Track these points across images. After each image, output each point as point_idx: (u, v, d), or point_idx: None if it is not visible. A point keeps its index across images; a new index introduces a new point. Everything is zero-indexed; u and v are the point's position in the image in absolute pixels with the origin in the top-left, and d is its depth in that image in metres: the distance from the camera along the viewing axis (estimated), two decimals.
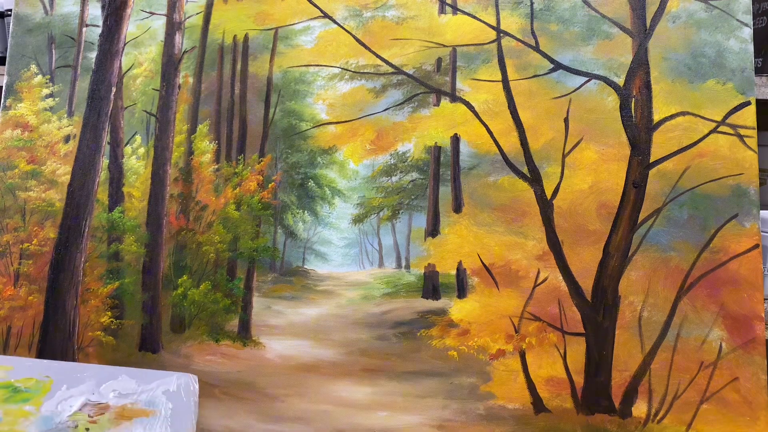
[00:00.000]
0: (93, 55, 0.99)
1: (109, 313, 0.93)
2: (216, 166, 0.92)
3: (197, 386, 0.74)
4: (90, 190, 0.96)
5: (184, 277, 0.91)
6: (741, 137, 0.73)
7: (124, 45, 0.98)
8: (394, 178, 0.85)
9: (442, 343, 0.79)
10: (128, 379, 0.76)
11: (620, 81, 0.77)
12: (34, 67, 1.01)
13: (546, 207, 0.78)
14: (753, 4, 0.76)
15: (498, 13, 0.82)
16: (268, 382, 0.85)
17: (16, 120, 1.00)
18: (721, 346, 0.72)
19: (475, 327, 0.78)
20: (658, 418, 0.73)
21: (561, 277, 0.77)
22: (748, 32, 0.74)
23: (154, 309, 0.91)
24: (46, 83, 1.00)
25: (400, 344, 0.81)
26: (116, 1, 0.98)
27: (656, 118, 0.76)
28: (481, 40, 0.82)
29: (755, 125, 0.72)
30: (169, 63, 0.96)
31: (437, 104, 0.84)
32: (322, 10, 0.89)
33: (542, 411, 0.76)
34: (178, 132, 0.94)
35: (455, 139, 0.82)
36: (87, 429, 0.71)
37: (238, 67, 0.93)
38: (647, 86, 0.76)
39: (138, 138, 0.96)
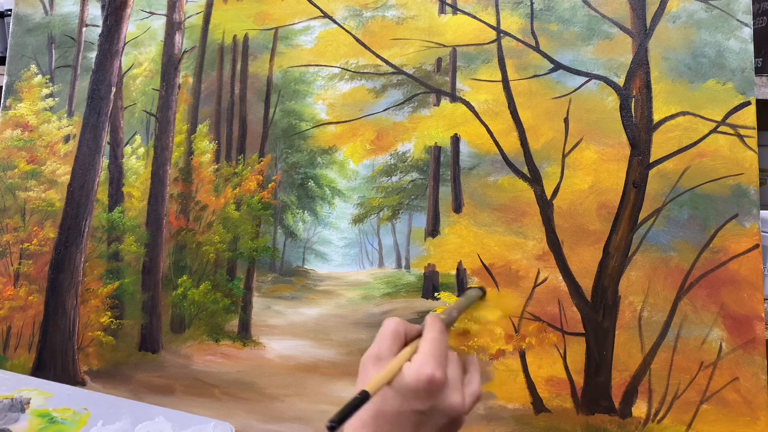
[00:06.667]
0: (93, 55, 0.99)
1: (109, 313, 0.93)
2: (216, 166, 0.92)
3: None
4: (90, 190, 0.96)
5: (184, 277, 0.91)
6: (741, 137, 0.73)
7: (124, 45, 0.98)
8: (394, 178, 0.85)
9: None
10: (164, 422, 0.75)
11: (620, 81, 0.77)
12: (34, 67, 1.01)
13: (546, 207, 0.78)
14: (753, 4, 0.76)
15: (498, 13, 0.82)
16: (268, 382, 0.85)
17: (16, 120, 1.00)
18: (721, 346, 0.72)
19: (474, 327, 0.78)
20: (658, 418, 0.73)
21: (561, 277, 0.77)
22: (748, 32, 0.74)
23: (154, 309, 0.91)
24: (46, 83, 1.00)
25: None
26: (116, 1, 0.98)
27: (656, 118, 0.76)
28: (481, 40, 0.82)
29: (755, 125, 0.72)
30: (169, 63, 0.96)
31: (437, 104, 0.84)
32: (322, 10, 0.89)
33: (542, 411, 0.76)
34: (178, 132, 0.94)
35: (455, 139, 0.82)
36: None
37: (238, 67, 0.93)
38: (647, 86, 0.76)
39: (138, 138, 0.96)
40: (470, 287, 0.79)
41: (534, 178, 0.79)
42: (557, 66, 0.79)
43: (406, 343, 0.56)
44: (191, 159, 0.93)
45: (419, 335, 0.57)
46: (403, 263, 0.84)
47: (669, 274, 0.74)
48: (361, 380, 0.54)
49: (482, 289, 0.78)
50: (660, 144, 0.75)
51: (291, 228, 0.89)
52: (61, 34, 1.01)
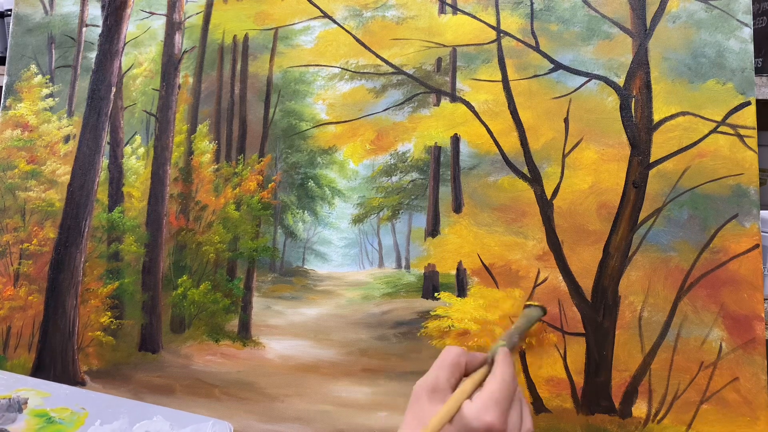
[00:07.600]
0: (93, 55, 0.99)
1: (109, 313, 0.93)
2: (216, 166, 0.92)
3: None
4: (90, 190, 0.96)
5: (184, 277, 0.91)
6: (741, 137, 0.73)
7: (124, 45, 0.98)
8: (394, 178, 0.85)
9: (443, 343, 0.79)
10: (162, 421, 0.76)
11: (620, 81, 0.77)
12: (34, 67, 1.01)
13: (546, 207, 0.78)
14: (753, 4, 0.76)
15: (498, 13, 0.82)
16: (268, 382, 0.85)
17: (16, 120, 1.00)
18: (721, 346, 0.72)
19: (475, 327, 0.78)
20: (658, 418, 0.73)
21: (561, 277, 0.77)
22: (748, 32, 0.74)
23: (154, 309, 0.91)
24: (46, 83, 1.00)
25: (400, 344, 0.81)
26: (116, 1, 0.98)
27: (656, 118, 0.76)
28: (481, 40, 0.82)
29: (755, 125, 0.72)
30: (169, 63, 0.96)
31: (437, 104, 0.84)
32: (322, 10, 0.89)
33: (542, 411, 0.76)
34: (178, 132, 0.94)
35: (455, 139, 0.82)
36: None
37: (238, 67, 0.93)
38: (647, 86, 0.76)
39: (138, 138, 0.96)
40: (529, 304, 0.75)
41: (534, 178, 0.79)
42: (557, 66, 0.79)
43: (466, 374, 0.54)
44: (191, 159, 0.93)
45: (480, 366, 0.55)
46: (403, 263, 0.84)
47: (669, 274, 0.74)
48: (414, 412, 0.52)
49: (543, 309, 0.74)
50: (660, 144, 0.75)
51: (291, 228, 0.89)
52: (61, 34, 1.01)
